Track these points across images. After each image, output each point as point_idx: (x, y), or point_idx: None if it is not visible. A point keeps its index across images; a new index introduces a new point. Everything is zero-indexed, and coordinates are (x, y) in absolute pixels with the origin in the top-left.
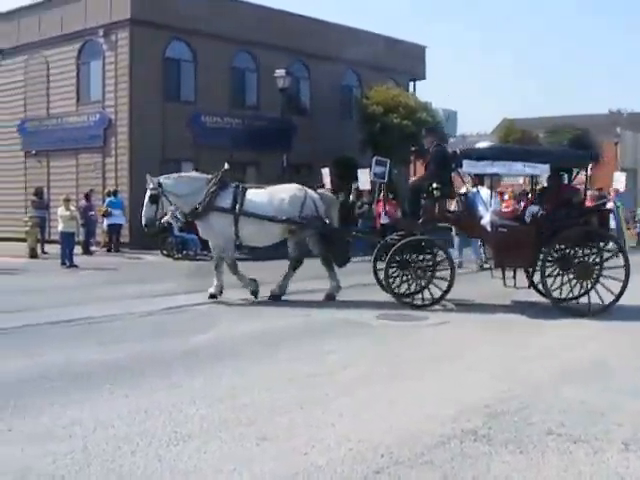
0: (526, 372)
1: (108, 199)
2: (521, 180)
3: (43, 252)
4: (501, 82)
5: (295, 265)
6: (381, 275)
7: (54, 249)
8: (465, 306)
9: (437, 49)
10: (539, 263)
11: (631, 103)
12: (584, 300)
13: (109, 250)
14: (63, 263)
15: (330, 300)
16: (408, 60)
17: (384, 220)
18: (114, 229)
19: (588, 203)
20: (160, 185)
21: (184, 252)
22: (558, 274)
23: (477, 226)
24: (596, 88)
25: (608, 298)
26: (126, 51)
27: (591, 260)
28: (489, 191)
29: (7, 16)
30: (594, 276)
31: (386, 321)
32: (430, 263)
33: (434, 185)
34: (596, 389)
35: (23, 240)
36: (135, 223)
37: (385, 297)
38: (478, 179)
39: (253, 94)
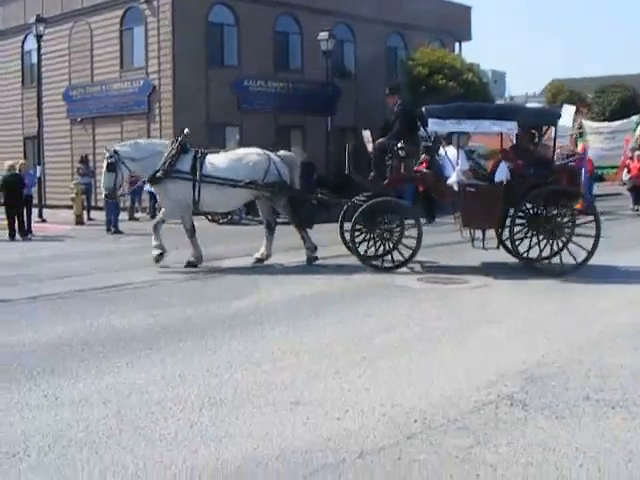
0: (567, 336)
1: None
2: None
3: (89, 219)
4: (551, 42)
5: (301, 224)
6: (347, 237)
7: (100, 215)
8: (506, 269)
9: (487, 9)
10: (508, 223)
11: None
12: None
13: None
14: (108, 229)
15: (311, 263)
16: (453, 21)
17: None
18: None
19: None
20: (116, 152)
21: (229, 217)
22: (530, 234)
23: (444, 186)
24: None
25: (581, 256)
26: (168, 17)
27: (562, 219)
28: (456, 150)
29: None
30: (566, 235)
31: (427, 284)
32: (397, 224)
33: (399, 145)
34: (638, 353)
35: (70, 207)
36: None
37: (425, 259)
38: (445, 138)
39: (297, 58)
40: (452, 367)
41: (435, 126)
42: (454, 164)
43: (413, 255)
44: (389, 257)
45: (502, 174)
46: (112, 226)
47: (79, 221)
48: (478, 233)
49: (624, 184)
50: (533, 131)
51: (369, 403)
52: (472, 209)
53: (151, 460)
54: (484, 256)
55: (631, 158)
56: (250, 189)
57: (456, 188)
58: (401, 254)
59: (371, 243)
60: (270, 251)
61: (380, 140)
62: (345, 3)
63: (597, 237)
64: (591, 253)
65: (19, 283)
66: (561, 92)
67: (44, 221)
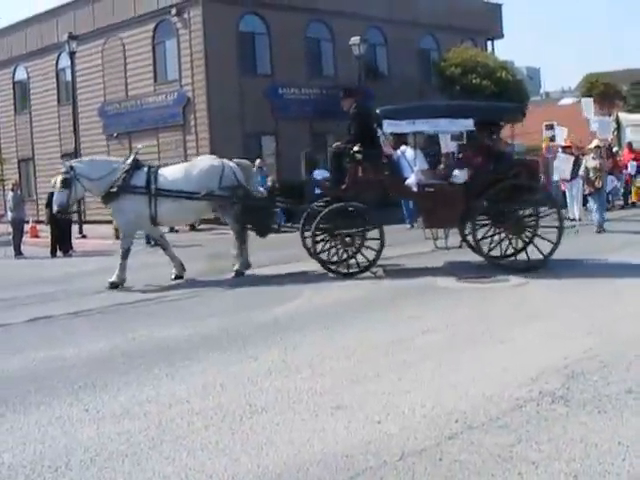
0: (608, 331)
1: None
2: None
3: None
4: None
5: (243, 236)
6: (309, 243)
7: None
8: (543, 267)
9: (520, 5)
10: (469, 220)
11: None
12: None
13: (192, 228)
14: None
15: (239, 277)
16: (484, 19)
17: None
18: None
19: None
20: (72, 168)
21: None
22: (494, 232)
23: (403, 187)
24: None
25: (546, 250)
26: (200, 28)
27: (524, 214)
28: (414, 151)
29: (82, 2)
30: (530, 230)
31: (466, 284)
32: (359, 229)
33: (355, 148)
34: None
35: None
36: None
37: (467, 258)
38: (401, 139)
39: (330, 63)
40: (493, 366)
41: (390, 127)
42: (412, 164)
43: (377, 258)
44: (355, 262)
45: (460, 172)
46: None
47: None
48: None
49: None
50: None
51: (410, 405)
52: (432, 209)
53: (192, 470)
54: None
55: None
56: (208, 200)
57: (415, 189)
58: (366, 258)
59: (334, 248)
60: (247, 260)
61: (336, 144)
62: (375, 7)
63: (560, 228)
64: (556, 245)
65: (60, 299)
66: (596, 86)
67: (84, 237)
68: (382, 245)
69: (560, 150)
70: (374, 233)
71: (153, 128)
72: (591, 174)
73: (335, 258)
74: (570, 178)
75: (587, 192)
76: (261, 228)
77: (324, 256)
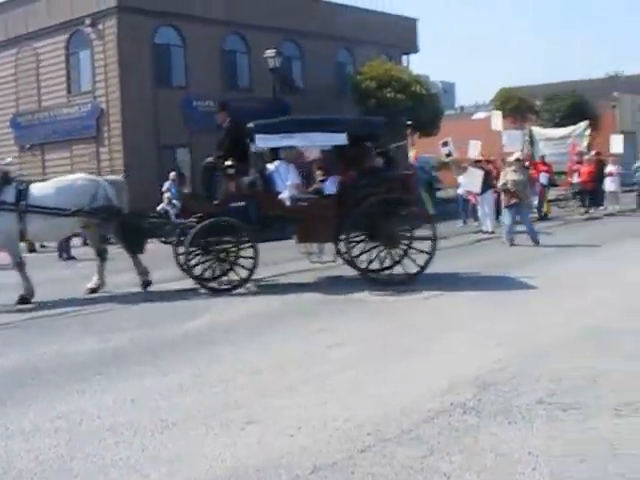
0: (519, 343)
1: None
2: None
3: (41, 246)
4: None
5: (104, 256)
6: (182, 260)
7: (53, 242)
8: (456, 279)
9: (434, 21)
10: (343, 235)
11: (629, 66)
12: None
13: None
14: (60, 256)
15: (146, 288)
16: (400, 34)
17: None
18: None
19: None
20: None
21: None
22: (369, 246)
23: (277, 202)
24: (594, 53)
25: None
26: (114, 39)
27: (399, 228)
28: (287, 165)
29: None
30: (403, 245)
31: (380, 297)
32: (232, 245)
33: (227, 163)
34: (590, 356)
35: None
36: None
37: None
38: (274, 153)
39: (245, 76)
40: (405, 378)
41: (263, 141)
42: (285, 179)
43: (251, 274)
44: (225, 278)
45: (332, 186)
46: (64, 252)
47: (31, 249)
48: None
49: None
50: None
51: (322, 418)
52: (306, 224)
53: None
54: (435, 266)
55: (580, 162)
56: (78, 217)
57: (288, 203)
58: (238, 274)
59: (209, 265)
60: (104, 280)
61: (208, 159)
62: (292, 20)
63: (434, 241)
64: (430, 257)
65: None
66: (510, 100)
67: None
68: (256, 263)
69: (468, 165)
70: (250, 249)
71: (66, 140)
72: (510, 186)
73: (210, 274)
74: (481, 192)
75: (505, 205)
76: (131, 245)
77: (197, 271)
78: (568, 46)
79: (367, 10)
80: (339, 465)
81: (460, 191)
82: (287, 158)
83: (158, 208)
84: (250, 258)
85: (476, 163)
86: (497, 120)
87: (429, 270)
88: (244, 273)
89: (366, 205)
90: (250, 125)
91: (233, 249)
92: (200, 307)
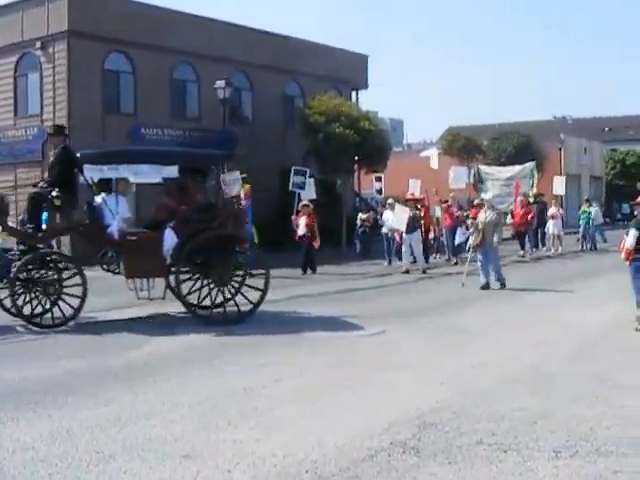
0: (462, 381)
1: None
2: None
3: None
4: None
5: None
6: (8, 302)
7: None
8: (403, 316)
9: (385, 58)
10: (174, 271)
11: (575, 109)
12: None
13: None
14: (1, 280)
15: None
16: (350, 69)
17: (301, 231)
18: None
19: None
20: None
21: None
22: (201, 282)
23: (104, 235)
24: (542, 95)
25: (248, 303)
26: (64, 63)
27: (230, 265)
28: (117, 197)
29: None
30: (237, 281)
31: (321, 332)
32: (57, 278)
33: (54, 193)
34: (531, 397)
35: None
36: (75, 237)
37: (322, 308)
38: (101, 184)
39: (194, 105)
40: (346, 415)
41: (91, 172)
42: (115, 212)
43: (80, 308)
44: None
45: (169, 241)
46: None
47: None
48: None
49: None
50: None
51: (261, 454)
52: (135, 258)
53: None
54: (377, 304)
55: (521, 205)
56: None
57: (117, 237)
58: (68, 306)
59: (32, 298)
60: None
61: (34, 189)
62: (242, 52)
63: (267, 278)
64: (264, 294)
65: None
66: (457, 139)
67: None
68: (85, 294)
69: (392, 201)
70: (76, 280)
71: (11, 163)
72: (480, 226)
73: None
74: (409, 231)
75: (473, 244)
76: None
77: (27, 310)
78: (516, 87)
79: (318, 44)
80: None
81: (385, 230)
82: (120, 191)
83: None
84: (79, 285)
85: (407, 202)
86: (434, 159)
87: (374, 307)
88: (75, 302)
89: (198, 240)
90: (78, 154)
91: (56, 282)
92: (141, 338)
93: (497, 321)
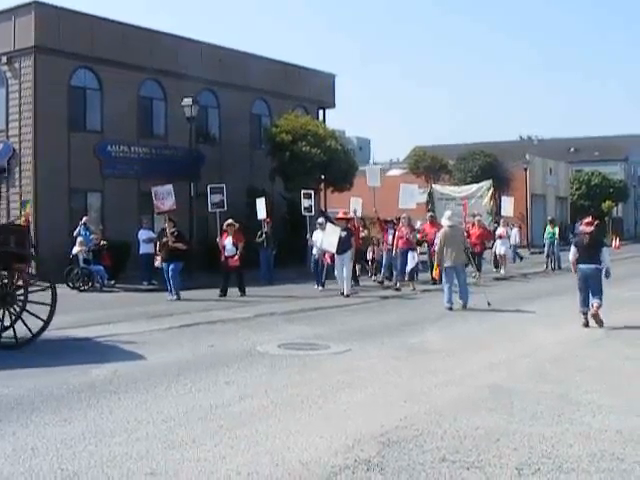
0: (425, 399)
1: None
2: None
3: None
4: (415, 111)
5: None
6: None
7: None
8: (366, 333)
9: (351, 78)
10: None
11: (541, 130)
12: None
13: None
14: None
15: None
16: (317, 88)
17: (228, 252)
18: None
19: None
20: None
21: (90, 284)
22: None
23: None
24: (508, 115)
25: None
26: (30, 79)
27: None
28: None
29: None
30: (18, 303)
31: (287, 350)
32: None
33: None
34: (494, 415)
35: None
36: (41, 255)
37: (287, 326)
38: None
39: (161, 123)
40: (310, 433)
41: None
42: None
43: (47, 324)
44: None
45: None
46: None
47: None
48: None
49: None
50: None
51: (225, 472)
52: None
53: None
54: (345, 322)
55: (473, 224)
56: None
57: None
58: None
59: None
60: None
61: None
62: (209, 70)
63: (53, 305)
64: (47, 322)
65: None
66: (423, 159)
67: None
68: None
69: (322, 221)
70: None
71: None
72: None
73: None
74: (340, 252)
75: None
76: None
77: None
78: (483, 108)
79: (286, 63)
80: None
81: (314, 251)
82: None
83: (74, 252)
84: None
85: (338, 220)
86: (375, 177)
87: (339, 326)
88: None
89: None
90: None
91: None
92: (107, 356)
93: (460, 340)
